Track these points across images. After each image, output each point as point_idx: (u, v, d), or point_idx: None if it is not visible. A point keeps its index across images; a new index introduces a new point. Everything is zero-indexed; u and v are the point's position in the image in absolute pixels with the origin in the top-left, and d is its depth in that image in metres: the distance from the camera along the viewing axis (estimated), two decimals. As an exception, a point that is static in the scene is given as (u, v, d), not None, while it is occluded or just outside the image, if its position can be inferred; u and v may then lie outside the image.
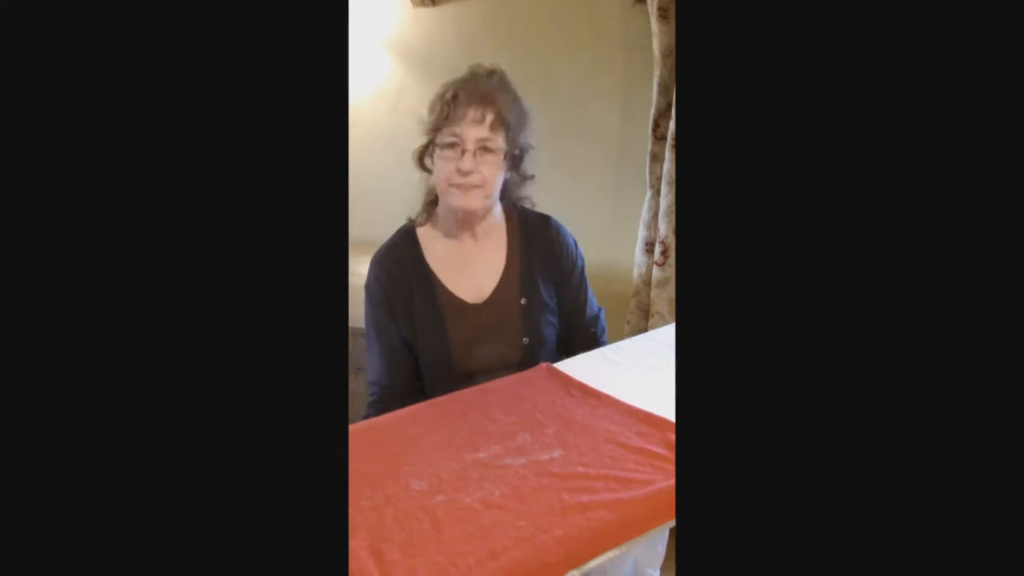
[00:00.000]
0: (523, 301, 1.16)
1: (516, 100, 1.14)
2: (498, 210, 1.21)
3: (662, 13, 1.61)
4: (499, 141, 1.11)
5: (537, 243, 1.20)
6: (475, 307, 1.16)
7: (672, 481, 0.71)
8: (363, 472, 0.74)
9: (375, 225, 1.29)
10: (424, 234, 1.20)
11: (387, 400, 1.14)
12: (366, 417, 1.10)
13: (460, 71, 1.15)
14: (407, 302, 1.16)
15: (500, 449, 0.79)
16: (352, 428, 0.85)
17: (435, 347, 1.14)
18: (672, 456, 0.76)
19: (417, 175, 1.21)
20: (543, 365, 1.03)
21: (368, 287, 1.18)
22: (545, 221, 1.23)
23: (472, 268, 1.19)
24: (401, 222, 1.24)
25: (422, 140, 1.15)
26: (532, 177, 1.22)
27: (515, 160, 1.17)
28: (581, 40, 2.01)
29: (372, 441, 0.83)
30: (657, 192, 1.80)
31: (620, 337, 1.25)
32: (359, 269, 1.25)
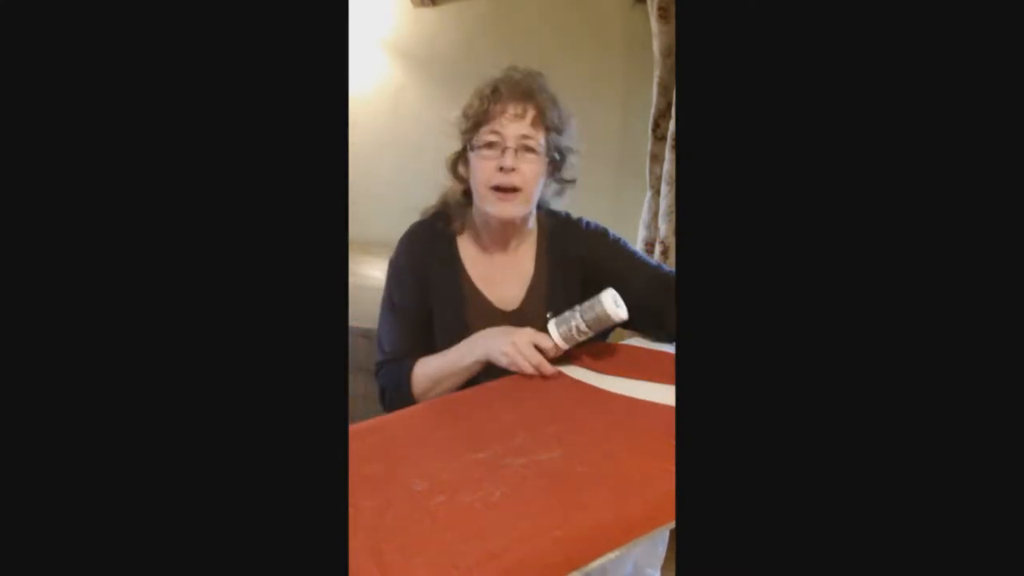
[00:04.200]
0: (548, 315, 1.08)
1: (556, 100, 1.09)
2: (532, 218, 1.15)
3: (662, 13, 1.62)
4: (540, 140, 1.05)
5: (562, 249, 1.15)
6: (503, 313, 1.13)
7: (672, 481, 0.71)
8: (364, 472, 0.74)
9: (375, 225, 1.29)
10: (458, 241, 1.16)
11: (393, 362, 1.10)
12: (380, 388, 1.08)
13: (460, 71, 1.14)
14: (427, 279, 1.12)
15: (500, 449, 0.79)
16: (352, 428, 0.85)
17: (453, 329, 1.10)
18: (672, 456, 0.76)
19: (416, 173, 1.20)
20: None
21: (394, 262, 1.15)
22: (567, 223, 1.18)
23: (502, 277, 1.14)
24: (400, 221, 1.22)
25: (423, 139, 1.14)
26: (573, 182, 1.16)
27: (555, 164, 1.11)
28: (581, 40, 2.01)
29: (373, 441, 0.83)
30: (657, 192, 1.80)
31: (621, 337, 1.25)
32: (359, 269, 1.25)
